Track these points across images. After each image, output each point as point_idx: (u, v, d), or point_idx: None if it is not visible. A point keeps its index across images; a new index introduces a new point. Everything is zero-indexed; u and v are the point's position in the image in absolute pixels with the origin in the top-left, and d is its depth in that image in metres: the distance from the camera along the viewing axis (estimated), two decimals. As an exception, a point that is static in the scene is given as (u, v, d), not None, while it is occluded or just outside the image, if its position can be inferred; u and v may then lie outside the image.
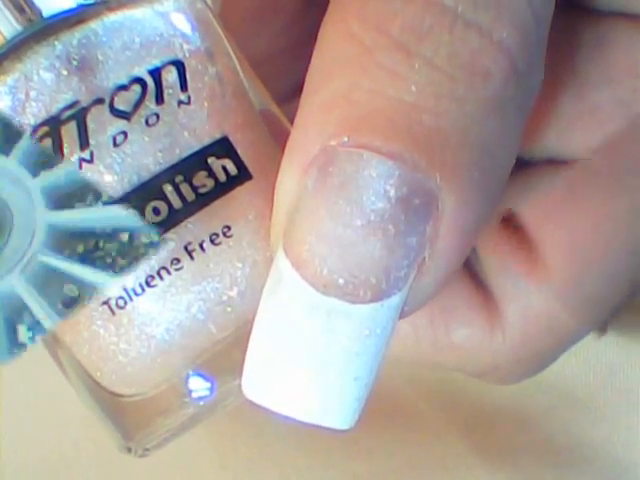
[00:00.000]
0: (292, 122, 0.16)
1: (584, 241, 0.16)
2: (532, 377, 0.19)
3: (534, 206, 0.16)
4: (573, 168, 0.15)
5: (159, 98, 0.19)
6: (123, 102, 0.19)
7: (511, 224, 0.16)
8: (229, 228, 0.18)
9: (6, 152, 0.38)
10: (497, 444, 0.33)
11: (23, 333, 0.37)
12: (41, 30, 0.20)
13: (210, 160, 0.19)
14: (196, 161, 0.20)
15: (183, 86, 0.19)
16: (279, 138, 0.16)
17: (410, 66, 0.13)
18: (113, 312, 0.19)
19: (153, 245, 0.18)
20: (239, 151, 0.18)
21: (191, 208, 0.18)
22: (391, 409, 0.34)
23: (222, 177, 0.18)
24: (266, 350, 0.14)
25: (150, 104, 0.19)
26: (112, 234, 0.39)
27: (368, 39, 0.13)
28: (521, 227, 0.16)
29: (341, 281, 0.13)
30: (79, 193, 0.36)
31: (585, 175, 0.15)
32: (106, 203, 0.38)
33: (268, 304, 0.14)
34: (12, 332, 0.34)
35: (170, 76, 0.19)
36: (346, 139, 0.13)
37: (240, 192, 0.18)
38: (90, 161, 0.19)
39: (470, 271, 0.17)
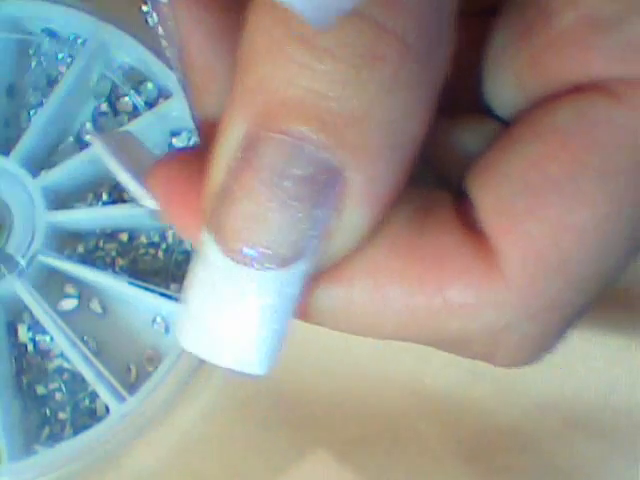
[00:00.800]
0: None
1: (543, 252, 0.16)
2: (554, 347, 0.18)
3: (495, 212, 0.16)
4: (535, 171, 0.16)
5: None
6: None
7: (474, 228, 0.16)
8: None
9: (6, 152, 0.38)
10: (496, 466, 0.33)
11: (23, 333, 0.37)
12: None
13: None
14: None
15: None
16: None
17: (315, 57, 0.14)
18: None
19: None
20: None
21: None
22: (390, 430, 0.34)
23: None
24: (194, 308, 0.16)
25: None
26: (112, 234, 0.39)
27: (277, 33, 0.14)
28: (481, 232, 0.16)
29: (252, 252, 0.15)
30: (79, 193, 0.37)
31: (547, 183, 0.16)
32: (106, 203, 0.38)
33: (197, 268, 0.16)
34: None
35: None
36: (264, 125, 0.15)
37: None
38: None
39: (458, 214, 0.16)
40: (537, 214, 0.16)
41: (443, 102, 0.16)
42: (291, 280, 0.15)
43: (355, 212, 0.15)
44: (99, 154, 0.19)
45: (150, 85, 0.36)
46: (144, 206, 0.19)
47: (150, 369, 0.32)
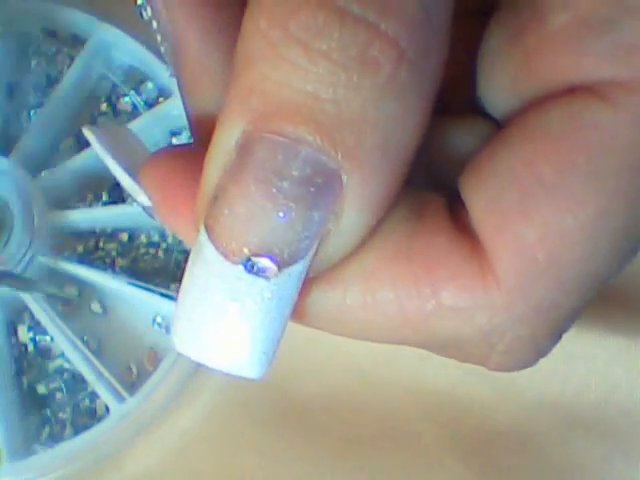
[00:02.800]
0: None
1: (533, 253, 0.16)
2: (549, 350, 0.18)
3: (486, 213, 0.16)
4: (526, 172, 0.16)
5: None
6: None
7: (467, 230, 0.16)
8: None
9: (6, 152, 0.38)
10: (496, 466, 0.33)
11: (24, 333, 0.37)
12: None
13: None
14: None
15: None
16: None
17: (309, 59, 0.14)
18: None
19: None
20: None
21: None
22: (389, 430, 0.34)
23: None
24: (188, 310, 0.16)
25: None
26: (112, 234, 0.39)
27: (273, 35, 0.14)
28: (475, 234, 0.17)
29: (248, 253, 0.15)
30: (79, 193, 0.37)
31: (537, 185, 0.16)
32: (106, 203, 0.38)
33: (191, 269, 0.16)
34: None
35: None
36: (259, 126, 0.15)
37: None
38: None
39: (451, 216, 0.17)
40: (527, 215, 0.16)
41: (439, 102, 0.16)
42: (287, 282, 0.15)
43: (352, 215, 0.15)
44: (94, 149, 0.19)
45: (150, 85, 0.36)
46: (137, 202, 0.19)
47: (150, 369, 0.32)
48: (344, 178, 0.15)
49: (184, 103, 0.18)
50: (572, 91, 0.15)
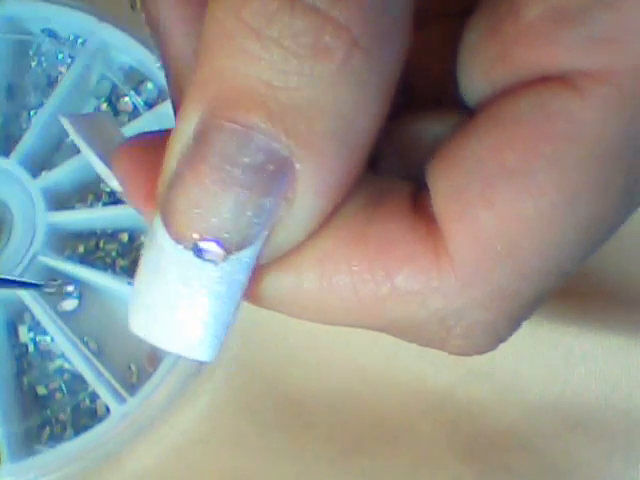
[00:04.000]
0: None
1: (490, 238, 0.16)
2: (508, 336, 0.17)
3: (447, 198, 0.16)
4: (490, 159, 0.16)
5: None
6: None
7: (428, 216, 0.16)
8: None
9: (6, 152, 0.38)
10: (496, 465, 0.33)
11: (24, 334, 0.37)
12: None
13: None
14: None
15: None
16: None
17: (261, 47, 0.14)
18: None
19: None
20: None
21: None
22: (390, 430, 0.34)
23: None
24: (142, 293, 0.16)
25: None
26: (112, 234, 0.39)
27: (228, 23, 0.14)
28: (434, 220, 0.17)
29: (199, 238, 0.15)
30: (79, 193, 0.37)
31: (500, 171, 0.16)
32: (106, 203, 0.38)
33: (146, 253, 0.16)
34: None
35: None
36: (215, 114, 0.15)
37: None
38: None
39: (416, 202, 0.17)
40: (487, 200, 0.16)
41: (424, 99, 0.16)
42: (237, 267, 0.15)
43: (305, 202, 0.15)
44: (74, 139, 0.20)
45: (150, 85, 0.36)
46: (110, 187, 0.19)
47: (150, 369, 0.32)
48: (297, 165, 0.15)
49: (169, 90, 0.18)
50: (543, 81, 0.15)
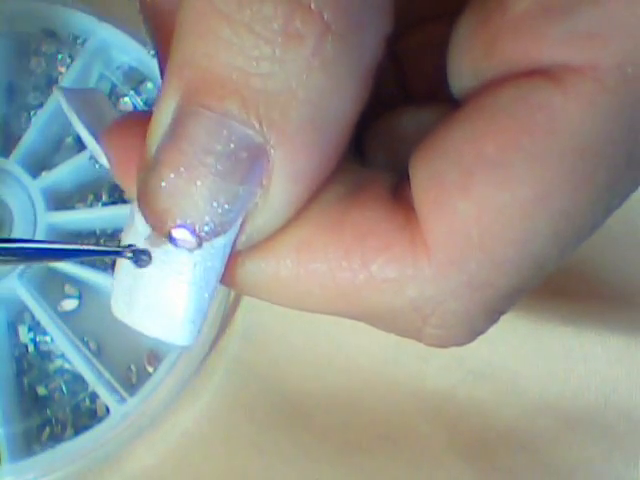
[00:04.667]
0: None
1: (466, 228, 0.16)
2: (485, 328, 0.17)
3: (426, 187, 0.16)
4: (471, 149, 0.16)
5: None
6: None
7: (406, 205, 0.16)
8: None
9: (6, 153, 0.38)
10: (496, 466, 0.33)
11: (24, 334, 0.37)
12: None
13: None
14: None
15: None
16: None
17: (232, 32, 0.14)
18: None
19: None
20: None
21: None
22: (390, 430, 0.34)
23: None
24: (122, 278, 0.17)
25: None
26: (112, 234, 0.39)
27: (201, 8, 0.14)
28: (413, 209, 0.16)
29: (173, 224, 0.15)
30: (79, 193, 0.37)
31: (480, 161, 0.16)
32: (106, 204, 0.38)
33: (124, 236, 0.16)
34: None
35: None
36: (190, 100, 0.15)
37: None
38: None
39: (396, 192, 0.17)
40: (465, 190, 0.15)
41: (421, 96, 0.16)
42: (212, 254, 0.15)
43: (280, 189, 0.15)
44: (66, 113, 0.19)
45: (150, 85, 0.36)
46: (100, 163, 0.19)
47: (150, 369, 0.32)
48: (271, 152, 0.15)
49: (160, 72, 0.18)
50: (528, 74, 0.15)
